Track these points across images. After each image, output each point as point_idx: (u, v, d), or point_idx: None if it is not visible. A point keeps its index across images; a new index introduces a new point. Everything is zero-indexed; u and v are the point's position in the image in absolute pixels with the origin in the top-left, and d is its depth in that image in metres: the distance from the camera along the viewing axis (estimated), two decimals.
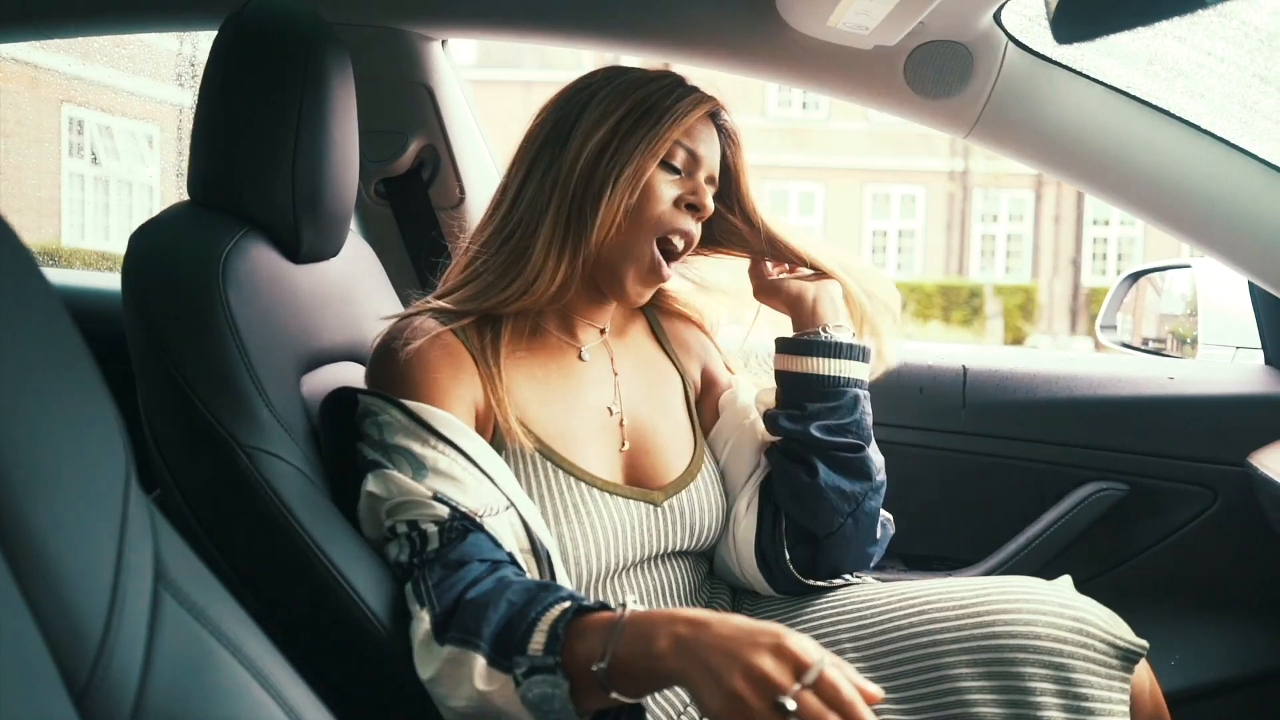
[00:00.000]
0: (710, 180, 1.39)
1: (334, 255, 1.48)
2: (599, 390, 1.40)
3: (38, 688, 0.67)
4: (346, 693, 1.22)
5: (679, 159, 1.35)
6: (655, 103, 1.32)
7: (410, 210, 1.92)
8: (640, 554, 1.34)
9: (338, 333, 1.43)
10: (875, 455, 1.43)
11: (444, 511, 1.18)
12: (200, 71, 1.39)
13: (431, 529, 1.18)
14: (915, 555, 1.92)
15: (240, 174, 1.33)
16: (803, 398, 1.41)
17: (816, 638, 1.35)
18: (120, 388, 1.26)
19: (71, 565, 0.70)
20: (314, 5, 1.40)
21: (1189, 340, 2.16)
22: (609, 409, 1.39)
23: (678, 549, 1.39)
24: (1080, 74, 1.65)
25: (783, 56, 1.69)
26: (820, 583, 1.44)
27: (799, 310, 1.45)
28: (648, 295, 1.38)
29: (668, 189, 1.34)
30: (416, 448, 1.21)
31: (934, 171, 21.52)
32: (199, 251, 1.25)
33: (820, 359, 1.41)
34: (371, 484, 1.22)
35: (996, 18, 1.59)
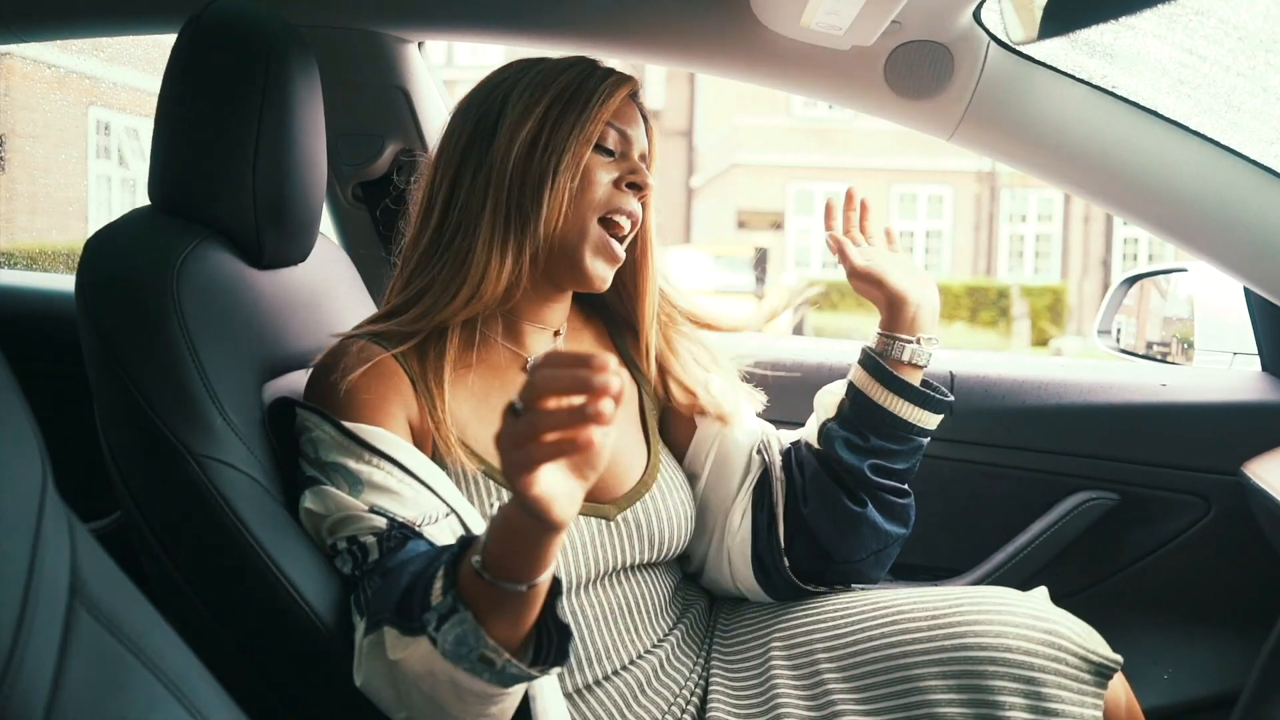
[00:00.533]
0: (644, 158, 1.37)
1: (300, 260, 1.46)
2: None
3: None
4: (301, 701, 1.21)
5: (611, 140, 1.32)
6: (578, 87, 1.30)
7: (387, 213, 1.90)
8: (597, 570, 1.31)
9: (303, 339, 1.42)
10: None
11: (381, 523, 1.16)
12: None
13: (370, 540, 1.16)
14: (901, 565, 1.88)
15: (200, 178, 1.32)
16: (871, 430, 1.40)
17: (792, 647, 1.35)
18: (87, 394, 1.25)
19: None
20: (287, 8, 1.38)
21: (1191, 344, 2.11)
22: None
23: (639, 562, 1.36)
24: (1064, 74, 1.61)
25: (760, 57, 1.66)
26: (819, 588, 1.44)
27: (897, 313, 1.41)
28: (609, 275, 1.34)
29: (604, 173, 1.31)
30: (351, 464, 1.20)
31: (961, 171, 21.42)
32: (153, 257, 1.24)
33: (906, 403, 1.40)
34: (309, 501, 1.20)
35: (976, 17, 1.56)
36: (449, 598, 1.01)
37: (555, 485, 0.90)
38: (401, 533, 1.16)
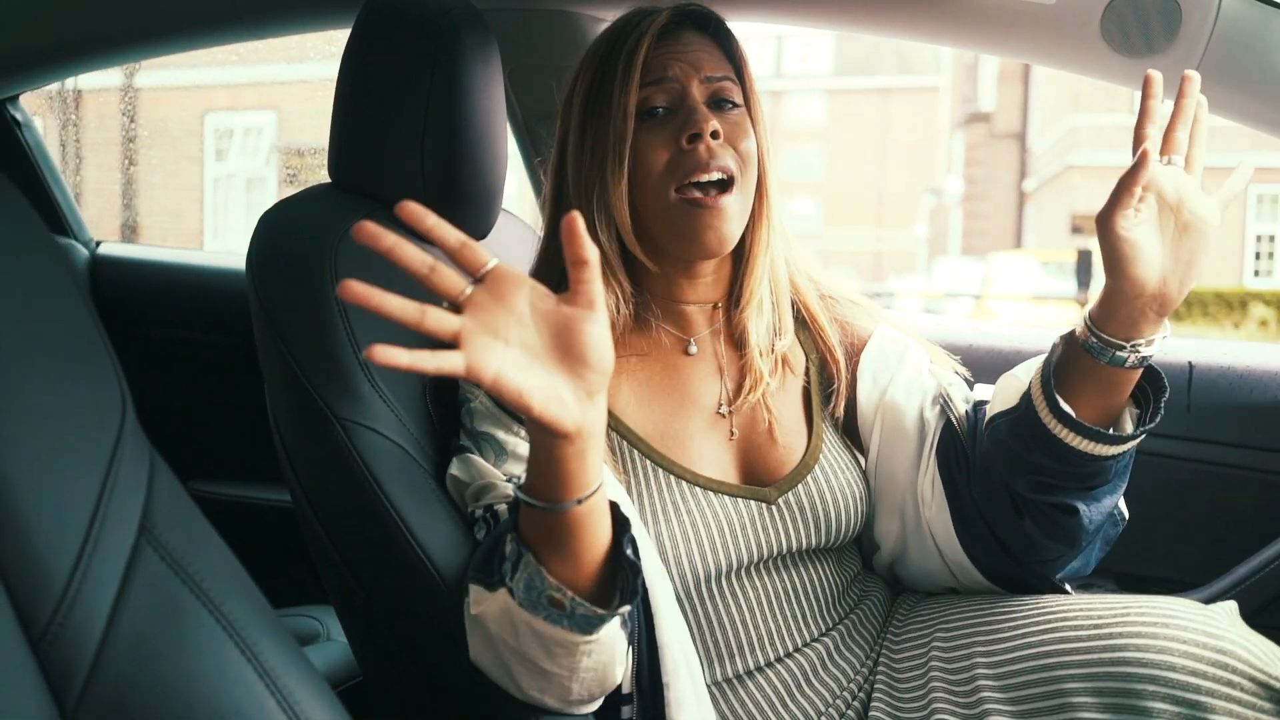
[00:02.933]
0: (711, 80, 1.25)
1: (479, 237, 1.49)
2: (706, 386, 1.32)
3: None
4: (428, 661, 1.22)
5: (659, 100, 1.24)
6: (606, 63, 1.25)
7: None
8: (756, 555, 1.26)
9: None
10: (1093, 512, 1.22)
11: (511, 494, 1.16)
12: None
13: (503, 508, 1.16)
14: (1129, 575, 1.71)
15: (371, 155, 1.37)
16: (1034, 447, 1.20)
17: (951, 649, 1.25)
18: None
19: (40, 512, 0.73)
20: None
21: None
22: (719, 406, 1.31)
23: (805, 547, 1.29)
24: None
25: (965, 19, 1.56)
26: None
27: (1120, 304, 1.14)
28: (719, 235, 1.23)
29: (658, 140, 1.23)
30: (500, 434, 1.21)
31: None
32: (317, 231, 1.29)
33: (1075, 434, 1.18)
34: (455, 468, 1.22)
35: None
36: (514, 543, 1.02)
37: (520, 376, 0.87)
38: None
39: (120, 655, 0.74)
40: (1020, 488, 1.23)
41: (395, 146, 1.35)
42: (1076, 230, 20.64)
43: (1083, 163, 20.69)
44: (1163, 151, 1.15)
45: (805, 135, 35.72)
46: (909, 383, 1.35)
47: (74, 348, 0.78)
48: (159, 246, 2.39)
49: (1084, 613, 1.17)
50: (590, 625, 1.01)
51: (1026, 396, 1.21)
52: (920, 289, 20.39)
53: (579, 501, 0.97)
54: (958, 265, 17.49)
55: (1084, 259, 11.44)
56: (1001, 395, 1.29)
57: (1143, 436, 1.18)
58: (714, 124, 1.21)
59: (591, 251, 0.88)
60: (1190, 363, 1.69)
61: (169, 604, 0.78)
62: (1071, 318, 12.09)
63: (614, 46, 1.26)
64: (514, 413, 1.19)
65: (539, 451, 0.95)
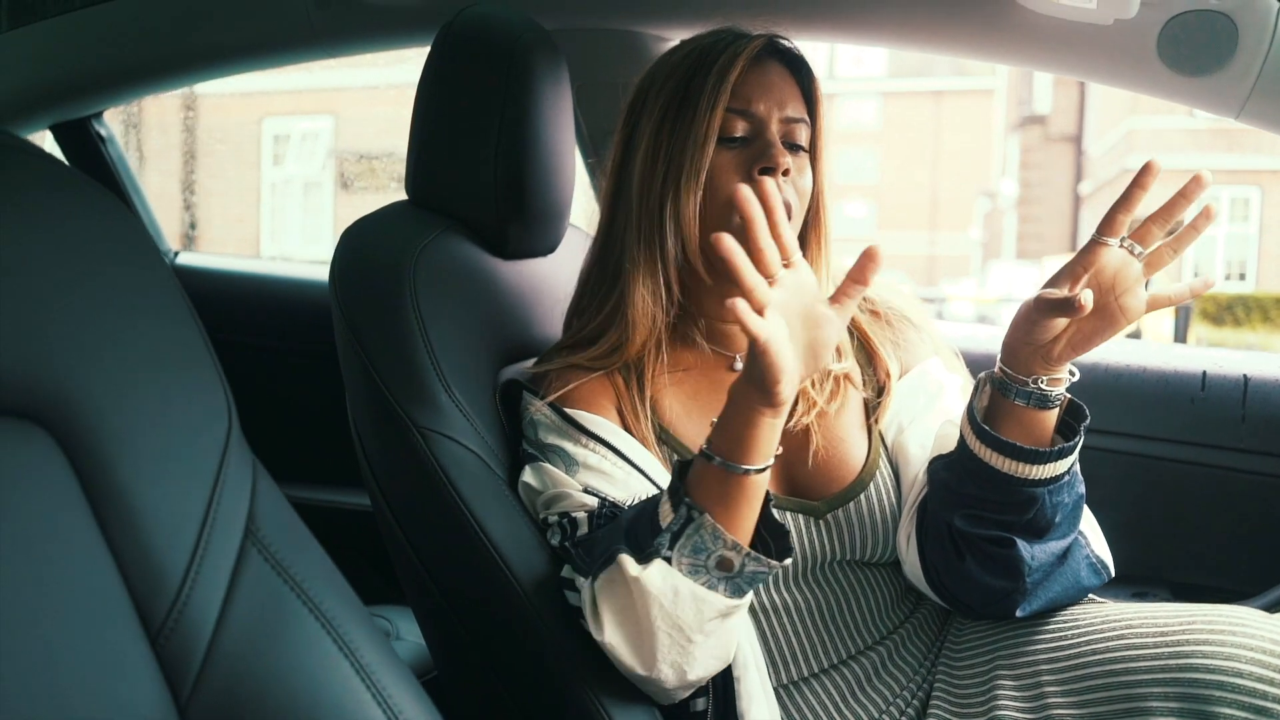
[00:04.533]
0: (788, 121, 1.29)
1: (548, 252, 1.54)
2: None
3: (113, 626, 0.76)
4: (503, 663, 1.27)
5: (739, 129, 1.27)
6: (688, 82, 1.27)
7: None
8: (805, 563, 1.30)
9: (544, 326, 1.49)
10: (1036, 551, 1.22)
11: (593, 502, 1.21)
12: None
13: (581, 515, 1.21)
14: (1184, 583, 1.73)
15: (446, 173, 1.42)
16: (967, 477, 1.23)
17: (1016, 656, 1.27)
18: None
19: (155, 515, 0.78)
20: (545, 12, 1.46)
21: None
22: None
23: (852, 559, 1.32)
24: None
25: (1021, 38, 1.58)
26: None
27: (1017, 349, 1.19)
28: None
29: (733, 166, 1.27)
30: (569, 446, 1.25)
31: None
32: (396, 246, 1.35)
33: (1003, 457, 1.20)
34: (528, 475, 1.27)
35: None
36: (682, 510, 1.08)
37: (782, 350, 1.01)
38: (612, 511, 1.21)
39: (229, 651, 0.79)
40: (957, 522, 1.24)
41: (469, 165, 1.40)
42: None
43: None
44: (1132, 236, 1.19)
45: (859, 138, 35.48)
46: (925, 432, 1.35)
47: (184, 357, 0.83)
48: (234, 256, 2.47)
49: (1150, 621, 1.19)
50: (750, 584, 1.10)
51: (960, 433, 1.24)
52: (973, 293, 20.22)
53: (766, 467, 1.08)
54: (1011, 269, 17.29)
55: None
56: (939, 442, 1.32)
57: (1066, 459, 1.20)
58: (787, 162, 1.25)
59: (874, 276, 1.06)
60: (1245, 375, 1.70)
61: (273, 603, 0.84)
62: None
63: (703, 62, 1.28)
64: (580, 424, 1.26)
65: (745, 422, 1.06)
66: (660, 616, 1.09)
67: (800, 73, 1.33)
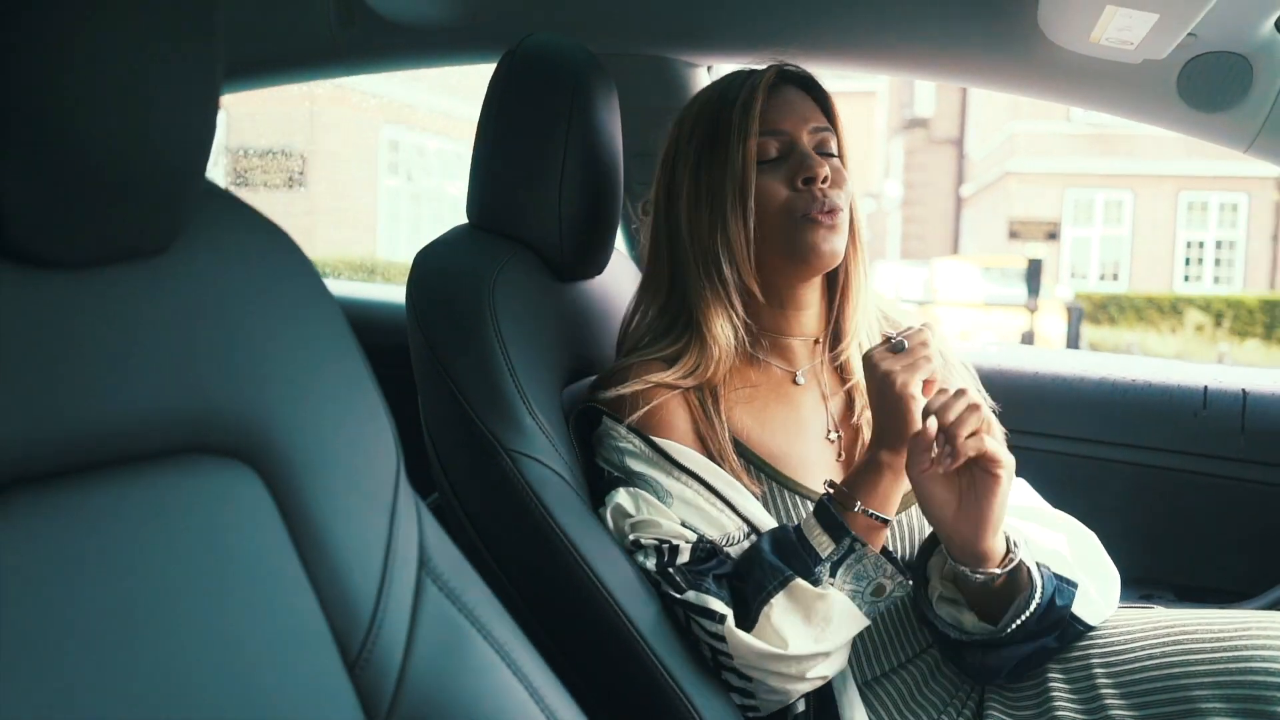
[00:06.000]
0: (815, 132, 1.38)
1: (598, 274, 1.57)
2: (814, 413, 1.42)
3: (318, 657, 0.78)
4: (600, 681, 1.31)
5: (773, 149, 1.36)
6: (715, 124, 1.36)
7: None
8: None
9: (598, 347, 1.53)
10: (990, 658, 1.30)
11: (692, 535, 1.28)
12: None
13: (683, 544, 1.27)
14: (1189, 586, 1.83)
15: (512, 199, 1.44)
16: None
17: (1068, 659, 1.33)
18: (403, 394, 1.40)
19: (348, 549, 0.80)
20: (586, 38, 1.49)
21: None
22: (828, 432, 1.42)
23: (910, 560, 1.39)
24: None
25: (1046, 73, 1.67)
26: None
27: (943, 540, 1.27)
28: (833, 246, 1.35)
29: (777, 182, 1.35)
30: (661, 478, 1.30)
31: (1260, 178, 20.05)
32: (473, 272, 1.37)
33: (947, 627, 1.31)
34: (622, 498, 1.31)
35: (1278, 25, 1.52)
36: (845, 542, 1.24)
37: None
38: (710, 547, 1.28)
39: (418, 679, 0.82)
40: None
41: (536, 190, 1.42)
42: (1014, 235, 20.94)
43: (1020, 169, 21.01)
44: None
45: None
46: None
47: (358, 390, 0.85)
48: None
49: (1204, 627, 1.27)
50: (887, 605, 1.28)
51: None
52: None
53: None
54: (898, 270, 17.64)
55: (1034, 267, 11.63)
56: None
57: (1003, 633, 1.25)
58: (826, 169, 1.33)
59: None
60: (1244, 389, 1.82)
61: (451, 631, 0.86)
62: (1021, 324, 12.33)
63: (725, 101, 1.37)
64: (670, 456, 1.31)
65: (892, 474, 1.27)
66: (827, 633, 1.22)
67: (815, 91, 1.42)
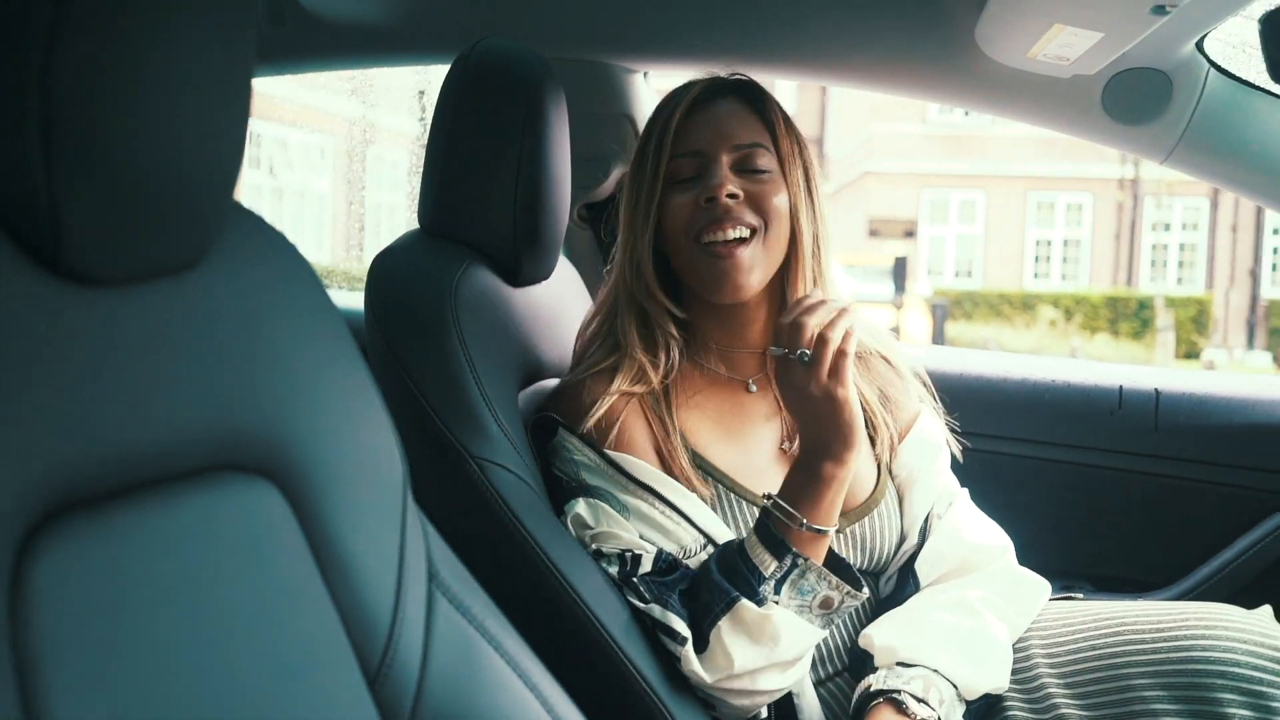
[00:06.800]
0: (740, 149, 1.37)
1: (546, 278, 1.57)
2: (768, 423, 1.44)
3: (340, 673, 0.77)
4: (574, 686, 1.31)
5: (687, 170, 1.38)
6: (646, 141, 1.41)
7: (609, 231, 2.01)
8: None
9: (550, 351, 1.53)
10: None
11: (652, 548, 1.29)
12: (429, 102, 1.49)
13: (644, 555, 1.28)
14: (1104, 576, 1.92)
15: (467, 205, 1.43)
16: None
17: (1013, 650, 1.38)
18: None
19: (365, 565, 0.80)
20: (527, 42, 1.49)
21: None
22: (781, 441, 1.43)
23: (862, 568, 1.42)
24: None
25: (980, 86, 1.73)
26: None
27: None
28: (729, 282, 1.35)
29: (683, 202, 1.37)
30: (617, 493, 1.32)
31: (1103, 179, 20.94)
32: (434, 276, 1.36)
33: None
34: (581, 508, 1.32)
35: (1199, 45, 1.60)
36: (788, 559, 1.23)
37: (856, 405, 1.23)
38: (671, 559, 1.29)
39: (435, 692, 0.82)
40: None
41: (492, 195, 1.41)
42: (874, 234, 21.46)
43: (879, 169, 21.51)
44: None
45: None
46: (928, 485, 1.47)
47: (366, 404, 0.85)
48: None
49: (1142, 618, 1.33)
50: (840, 616, 1.27)
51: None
52: None
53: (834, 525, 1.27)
54: None
55: (899, 264, 11.94)
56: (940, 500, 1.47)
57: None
58: (730, 187, 1.34)
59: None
60: (1157, 389, 1.91)
61: (463, 645, 0.87)
62: (887, 320, 12.60)
63: (655, 118, 1.41)
64: (625, 470, 1.32)
65: (827, 485, 1.24)
66: (772, 651, 1.22)
67: (753, 99, 1.42)
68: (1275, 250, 20.55)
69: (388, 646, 0.80)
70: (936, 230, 21.96)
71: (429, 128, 1.47)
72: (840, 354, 1.21)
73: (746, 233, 1.34)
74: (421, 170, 1.48)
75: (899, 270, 12.09)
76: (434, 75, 1.69)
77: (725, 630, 1.22)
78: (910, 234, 21.54)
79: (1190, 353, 17.78)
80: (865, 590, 1.27)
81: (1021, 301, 19.23)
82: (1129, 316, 18.72)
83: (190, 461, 0.69)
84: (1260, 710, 1.23)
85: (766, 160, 1.37)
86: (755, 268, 1.35)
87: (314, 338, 0.82)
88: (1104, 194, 21.20)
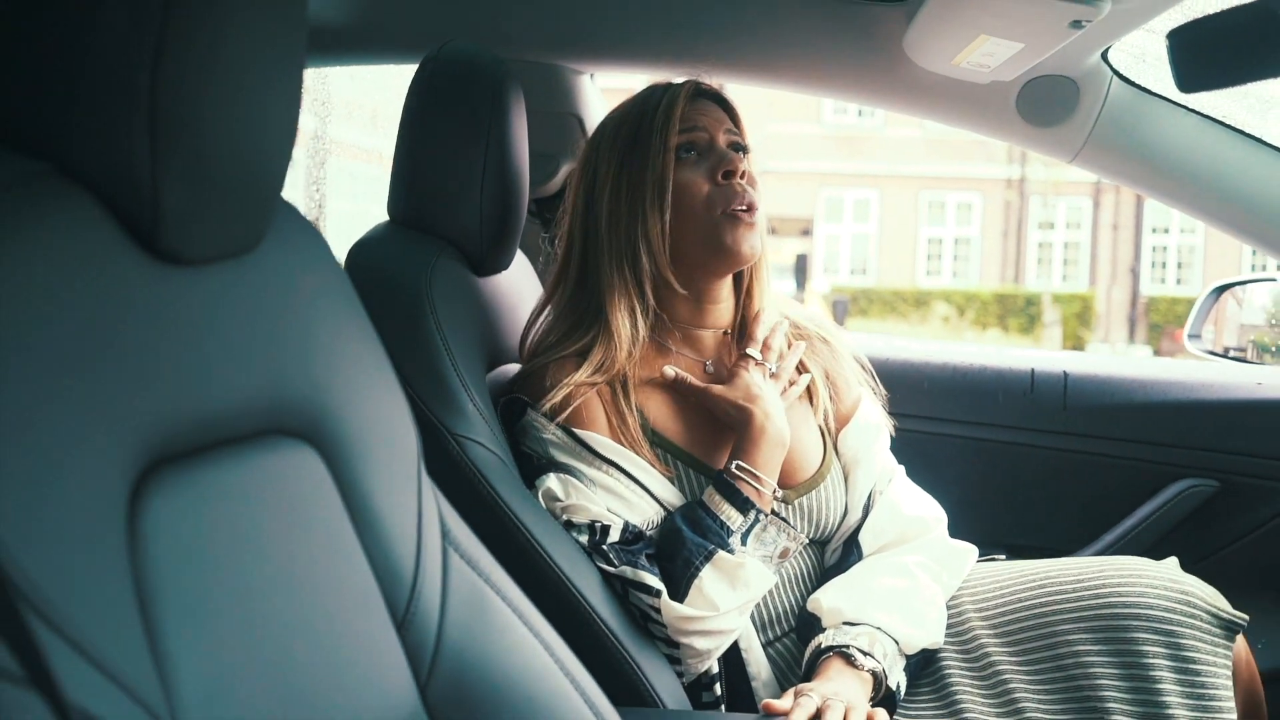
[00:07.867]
0: (730, 134, 1.49)
1: (507, 268, 1.66)
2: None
3: (374, 619, 0.86)
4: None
5: (692, 147, 1.47)
6: (637, 129, 1.47)
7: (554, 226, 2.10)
8: None
9: (511, 336, 1.61)
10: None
11: (619, 520, 1.39)
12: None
13: (612, 526, 1.38)
14: (1018, 545, 2.05)
15: (437, 198, 1.51)
16: None
17: (947, 609, 1.50)
18: None
19: (391, 520, 0.88)
20: (481, 43, 1.58)
21: (1273, 349, 2.28)
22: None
23: (810, 538, 1.53)
24: (1179, 105, 1.81)
25: (905, 90, 1.86)
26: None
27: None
28: (753, 243, 1.47)
29: (698, 178, 1.46)
30: (584, 468, 1.41)
31: (991, 179, 21.45)
32: (410, 262, 1.44)
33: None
34: (552, 483, 1.41)
35: (1104, 56, 1.76)
36: (752, 515, 1.39)
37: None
38: (636, 531, 1.40)
39: (453, 638, 0.91)
40: None
41: (460, 189, 1.50)
42: (772, 231, 21.05)
43: (776, 168, 21.76)
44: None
45: None
46: (870, 466, 1.58)
47: (381, 368, 0.94)
48: None
49: (1065, 573, 1.46)
50: (786, 562, 1.46)
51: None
52: None
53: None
54: None
55: (800, 261, 12.18)
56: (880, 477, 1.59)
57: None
58: (744, 164, 1.47)
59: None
60: (1065, 371, 2.06)
61: (475, 595, 0.96)
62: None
63: (646, 109, 1.48)
64: (590, 447, 1.41)
65: (778, 448, 1.43)
66: (745, 595, 1.36)
67: (724, 104, 1.54)
68: (1154, 249, 21.31)
69: (411, 595, 0.88)
70: (832, 229, 22.29)
71: (399, 125, 1.54)
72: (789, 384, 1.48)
73: (756, 202, 1.47)
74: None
75: (800, 267, 12.34)
76: (393, 94, 1.74)
77: (708, 579, 1.34)
78: (807, 232, 21.84)
79: (1076, 347, 18.36)
80: (805, 537, 1.46)
81: (915, 298, 19.64)
82: (1017, 312, 19.27)
83: (251, 425, 0.76)
84: (1172, 646, 1.36)
85: (744, 153, 1.50)
86: (760, 236, 1.49)
87: (343, 318, 0.90)
88: (993, 193, 21.70)
